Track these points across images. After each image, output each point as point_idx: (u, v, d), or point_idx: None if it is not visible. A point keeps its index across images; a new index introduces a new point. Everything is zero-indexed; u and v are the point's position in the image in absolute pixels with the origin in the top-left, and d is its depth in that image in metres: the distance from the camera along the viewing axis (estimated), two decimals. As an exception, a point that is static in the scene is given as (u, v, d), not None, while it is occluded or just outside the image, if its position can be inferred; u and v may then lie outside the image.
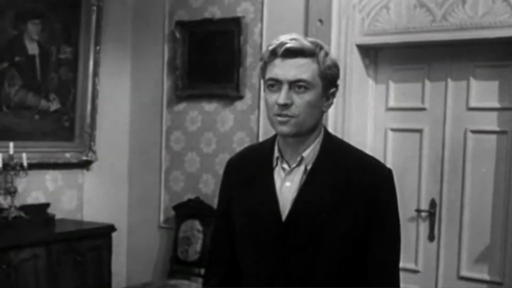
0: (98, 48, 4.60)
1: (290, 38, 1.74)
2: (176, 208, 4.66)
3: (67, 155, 4.52)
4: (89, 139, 4.62)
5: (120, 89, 4.92)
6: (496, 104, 3.70)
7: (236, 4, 4.42)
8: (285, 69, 1.73)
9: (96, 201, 4.74)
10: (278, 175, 1.83)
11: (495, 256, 3.71)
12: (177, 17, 4.67)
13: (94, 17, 4.55)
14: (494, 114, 3.71)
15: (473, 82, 3.76)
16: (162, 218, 4.82)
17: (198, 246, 4.50)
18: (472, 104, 3.77)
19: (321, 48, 1.77)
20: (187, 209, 4.60)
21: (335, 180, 1.76)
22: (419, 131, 3.94)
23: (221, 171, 4.28)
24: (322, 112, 1.81)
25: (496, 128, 3.71)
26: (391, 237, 1.79)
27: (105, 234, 4.31)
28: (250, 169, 1.89)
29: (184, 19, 4.63)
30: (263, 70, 1.81)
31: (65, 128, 4.53)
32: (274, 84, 1.75)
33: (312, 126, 1.78)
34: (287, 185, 1.80)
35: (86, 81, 4.57)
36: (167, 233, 4.76)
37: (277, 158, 1.84)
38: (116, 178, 4.92)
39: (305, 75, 1.72)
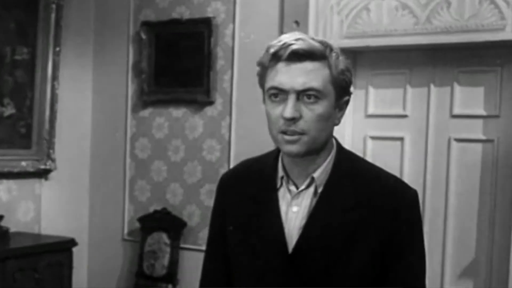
0: (57, 49, 4.36)
1: (295, 38, 1.49)
2: (141, 219, 4.47)
3: (23, 163, 4.27)
4: (48, 146, 4.38)
5: (81, 93, 4.71)
6: (482, 112, 3.58)
7: (206, 4, 4.25)
8: (291, 76, 1.48)
9: (55, 213, 4.50)
10: (283, 198, 1.58)
11: (481, 271, 3.58)
12: (142, 17, 4.50)
13: (53, 16, 4.31)
14: (480, 122, 3.58)
15: (457, 88, 3.63)
16: (126, 231, 4.63)
17: (165, 261, 4.31)
18: (456, 111, 3.64)
19: (331, 49, 1.52)
20: (154, 221, 4.42)
21: (351, 205, 1.52)
22: (400, 139, 3.80)
23: (190, 180, 4.33)
24: (335, 125, 1.57)
25: (482, 137, 3.58)
26: (416, 270, 1.56)
27: (65, 249, 4.08)
28: (249, 189, 1.64)
29: (150, 19, 4.46)
30: (262, 77, 1.55)
31: (21, 134, 4.28)
32: (278, 94, 1.50)
33: (323, 142, 1.54)
34: (294, 210, 1.56)
35: (44, 84, 4.32)
36: (132, 246, 4.58)
37: (282, 177, 1.59)
38: (76, 188, 4.71)
39: (315, 83, 1.48)
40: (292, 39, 1.49)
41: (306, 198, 1.56)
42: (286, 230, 1.54)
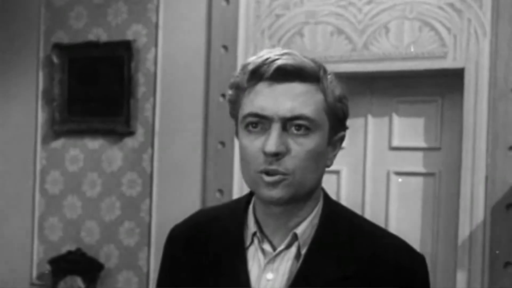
0: (-46, 72, 4.08)
1: (280, 53, 1.20)
2: (52, 261, 4.16)
3: None
4: None
5: (-17, 122, 4.38)
6: (422, 144, 3.46)
7: (125, 26, 3.99)
8: (276, 99, 1.19)
9: (-48, 256, 4.14)
10: (254, 260, 1.26)
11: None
12: (54, 38, 4.22)
13: None
14: (420, 155, 3.46)
15: (396, 119, 3.51)
16: (35, 274, 4.30)
17: (79, 308, 4.03)
18: (395, 143, 3.52)
19: (325, 70, 1.24)
20: (67, 263, 4.13)
21: (349, 273, 1.21)
22: (337, 172, 3.63)
23: (107, 217, 3.98)
24: (326, 167, 1.29)
25: (422, 170, 3.46)
26: None
27: (-38, 298, 3.82)
28: (208, 247, 1.31)
29: (63, 42, 4.19)
30: (235, 103, 1.25)
31: None
32: (258, 122, 1.20)
33: (311, 188, 1.24)
34: (268, 278, 1.24)
35: None
36: (41, 291, 4.26)
37: (254, 234, 1.27)
38: (-22, 227, 4.34)
39: (306, 109, 1.19)
40: (276, 53, 1.21)
41: (286, 262, 1.24)
42: None
